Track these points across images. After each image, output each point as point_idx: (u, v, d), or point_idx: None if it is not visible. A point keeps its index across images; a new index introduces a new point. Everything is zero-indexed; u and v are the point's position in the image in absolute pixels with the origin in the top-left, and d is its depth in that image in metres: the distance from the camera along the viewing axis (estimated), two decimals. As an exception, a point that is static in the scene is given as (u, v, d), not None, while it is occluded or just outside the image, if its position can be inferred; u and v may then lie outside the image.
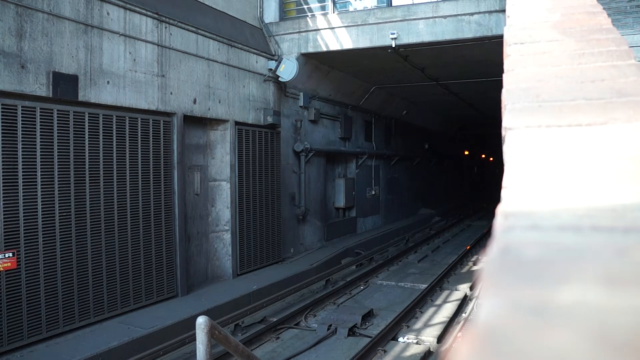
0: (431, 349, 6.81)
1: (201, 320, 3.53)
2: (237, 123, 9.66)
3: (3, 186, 5.74)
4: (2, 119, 5.72)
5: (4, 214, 5.73)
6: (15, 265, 5.81)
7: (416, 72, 12.82)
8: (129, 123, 7.35)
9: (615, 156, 0.71)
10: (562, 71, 1.01)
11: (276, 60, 10.65)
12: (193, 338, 4.24)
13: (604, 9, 1.35)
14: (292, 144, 11.72)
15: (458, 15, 9.53)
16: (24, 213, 5.93)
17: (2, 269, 5.68)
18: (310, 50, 10.80)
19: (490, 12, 9.32)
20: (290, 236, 11.63)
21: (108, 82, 7.02)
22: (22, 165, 5.93)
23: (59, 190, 6.31)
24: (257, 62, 10.38)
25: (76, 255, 6.52)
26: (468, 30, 9.50)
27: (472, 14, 9.44)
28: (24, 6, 5.94)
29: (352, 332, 7.31)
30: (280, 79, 10.68)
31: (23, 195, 5.93)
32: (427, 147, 21.75)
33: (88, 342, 6.14)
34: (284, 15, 11.32)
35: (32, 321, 5.98)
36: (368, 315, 7.93)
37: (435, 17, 9.70)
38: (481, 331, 0.41)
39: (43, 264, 6.11)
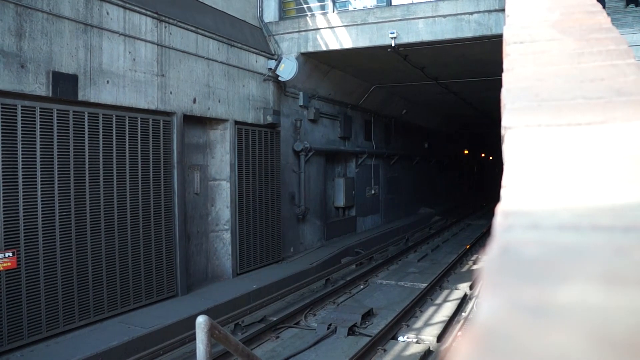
0: (431, 348, 6.82)
1: (201, 320, 3.53)
2: (236, 122, 9.66)
3: (3, 186, 5.74)
4: (1, 118, 5.72)
5: (4, 214, 5.73)
6: (15, 265, 5.81)
7: (416, 72, 12.81)
8: (129, 123, 7.34)
9: (615, 155, 0.71)
10: (561, 70, 1.01)
11: (276, 60, 10.65)
12: (193, 337, 4.23)
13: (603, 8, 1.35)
14: (292, 144, 11.71)
15: (457, 14, 9.53)
16: (23, 213, 5.92)
17: (2, 268, 5.68)
18: (310, 49, 10.80)
19: (489, 11, 9.31)
20: (290, 235, 11.63)
21: (108, 82, 7.02)
22: (22, 165, 5.93)
23: (58, 190, 6.31)
24: (256, 61, 10.38)
25: (76, 255, 6.52)
26: (467, 29, 9.50)
27: (471, 13, 9.44)
28: (23, 6, 5.93)
29: (352, 331, 7.31)
30: (279, 78, 10.68)
31: (23, 195, 5.93)
32: (426, 146, 21.76)
33: (88, 342, 6.14)
34: (283, 14, 11.31)
35: (32, 321, 5.98)
36: (368, 315, 7.94)
37: (434, 16, 9.70)
38: (481, 330, 0.41)
39: (43, 264, 6.11)
